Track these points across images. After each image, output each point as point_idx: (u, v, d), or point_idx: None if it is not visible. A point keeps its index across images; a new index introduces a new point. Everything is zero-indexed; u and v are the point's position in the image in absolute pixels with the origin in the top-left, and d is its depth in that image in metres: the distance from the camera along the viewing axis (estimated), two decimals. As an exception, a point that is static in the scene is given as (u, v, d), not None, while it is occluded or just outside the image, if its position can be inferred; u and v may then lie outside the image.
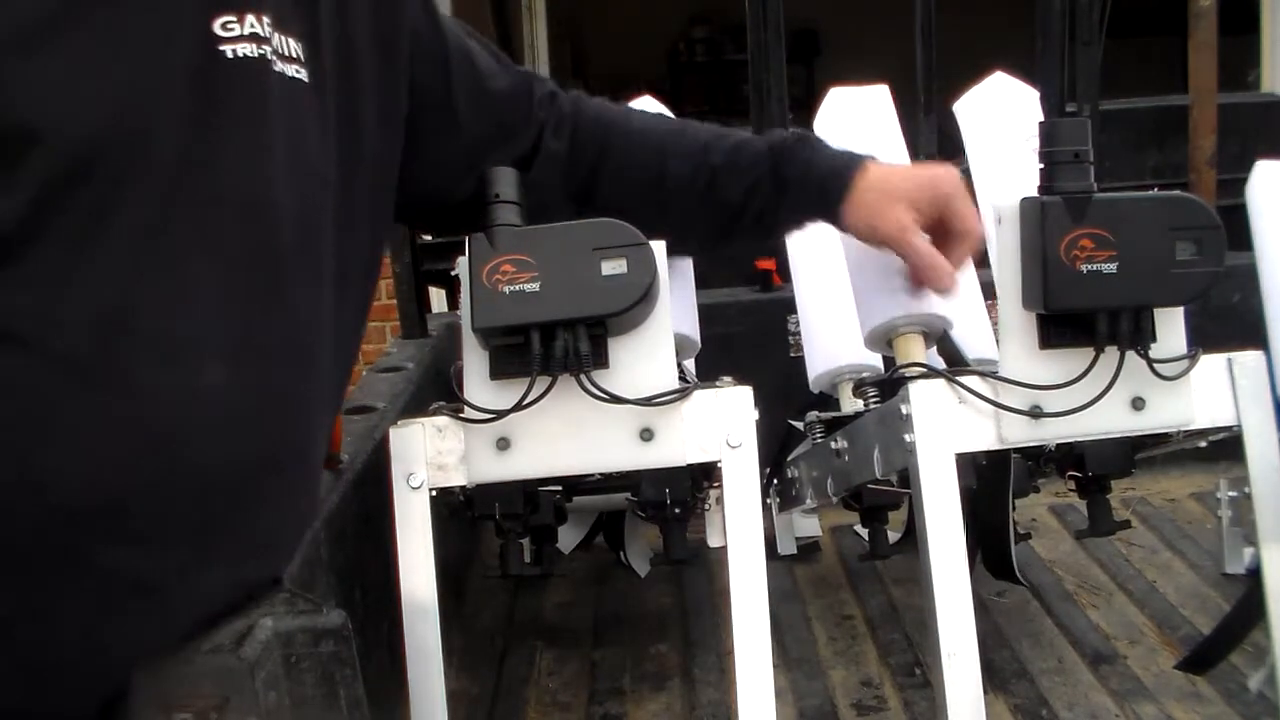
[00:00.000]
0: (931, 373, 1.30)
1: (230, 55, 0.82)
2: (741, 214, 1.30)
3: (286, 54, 0.87)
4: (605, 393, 1.16)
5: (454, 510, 1.30)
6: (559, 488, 1.31)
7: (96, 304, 0.76)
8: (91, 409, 0.77)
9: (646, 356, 1.20)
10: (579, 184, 1.27)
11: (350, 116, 0.95)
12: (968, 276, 1.70)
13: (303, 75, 0.88)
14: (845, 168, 1.29)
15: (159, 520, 0.80)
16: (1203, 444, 1.37)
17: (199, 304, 0.81)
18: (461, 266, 1.19)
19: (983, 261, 1.45)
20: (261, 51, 0.84)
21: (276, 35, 0.86)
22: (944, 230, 1.30)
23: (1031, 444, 1.29)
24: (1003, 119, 1.57)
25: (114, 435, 0.77)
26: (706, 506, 1.55)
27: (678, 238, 1.25)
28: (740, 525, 1.19)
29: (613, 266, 1.13)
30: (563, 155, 1.25)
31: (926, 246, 1.28)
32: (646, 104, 1.77)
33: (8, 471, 0.75)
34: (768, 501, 1.94)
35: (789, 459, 1.80)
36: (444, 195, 1.21)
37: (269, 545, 0.93)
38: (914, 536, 1.32)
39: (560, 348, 1.14)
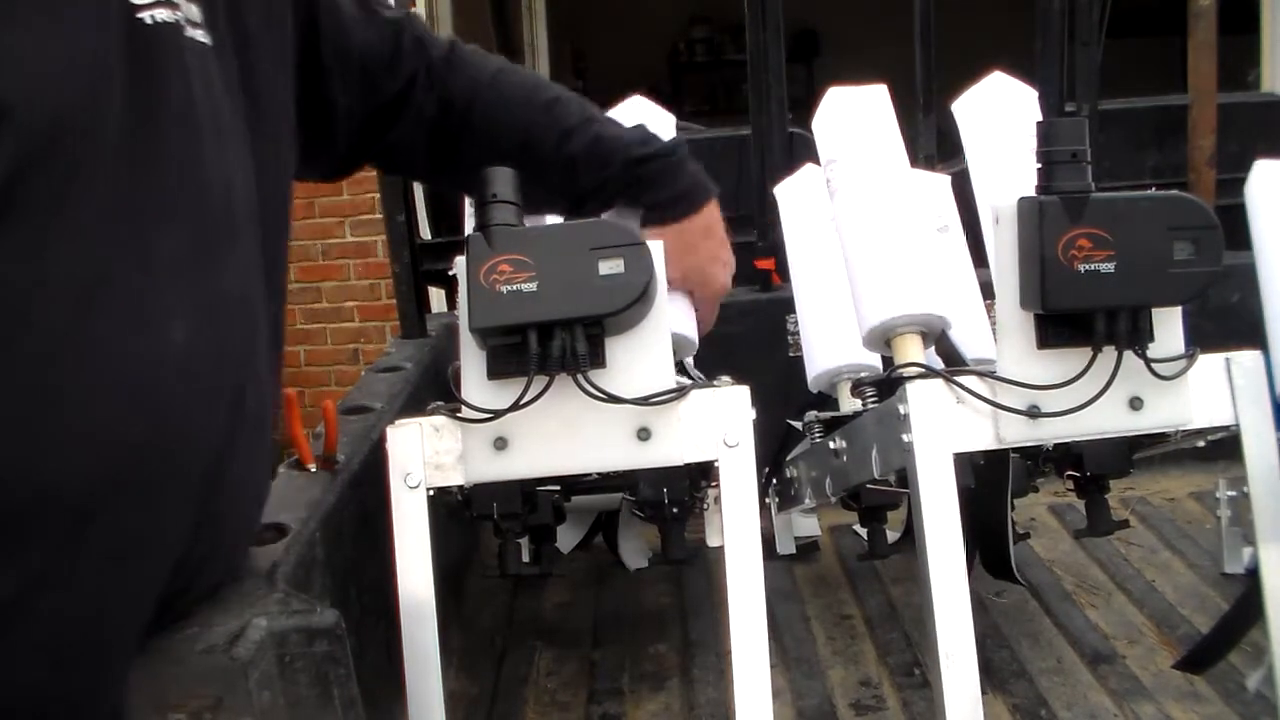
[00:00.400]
0: (929, 372, 1.30)
1: (149, 21, 0.84)
2: (587, 200, 1.31)
3: (192, 19, 0.89)
4: (602, 392, 1.16)
5: (452, 510, 1.30)
6: (557, 487, 1.31)
7: (69, 274, 0.78)
8: (76, 378, 0.78)
9: (643, 356, 1.20)
10: (442, 148, 1.27)
11: (248, 76, 0.97)
12: (966, 276, 1.71)
13: (207, 39, 0.91)
14: (696, 196, 1.32)
15: (153, 480, 0.82)
16: (1201, 443, 1.37)
17: (160, 267, 0.83)
18: (459, 266, 1.19)
19: (982, 261, 1.45)
20: (176, 17, 0.86)
21: (182, 0, 0.88)
22: None
23: (1029, 444, 1.28)
24: (1001, 119, 1.56)
25: (100, 402, 0.79)
26: (705, 506, 1.55)
27: (528, 206, 1.28)
28: (738, 525, 1.19)
29: (610, 266, 1.13)
30: (432, 117, 1.25)
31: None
32: (637, 104, 1.77)
33: (5, 448, 0.76)
34: (767, 501, 1.94)
35: (788, 459, 1.80)
36: (316, 150, 1.20)
37: (246, 497, 0.96)
38: (913, 536, 1.32)
39: (557, 347, 1.14)
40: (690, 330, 1.43)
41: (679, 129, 1.83)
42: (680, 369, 1.43)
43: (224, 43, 0.93)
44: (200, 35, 0.90)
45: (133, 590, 0.84)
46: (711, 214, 1.35)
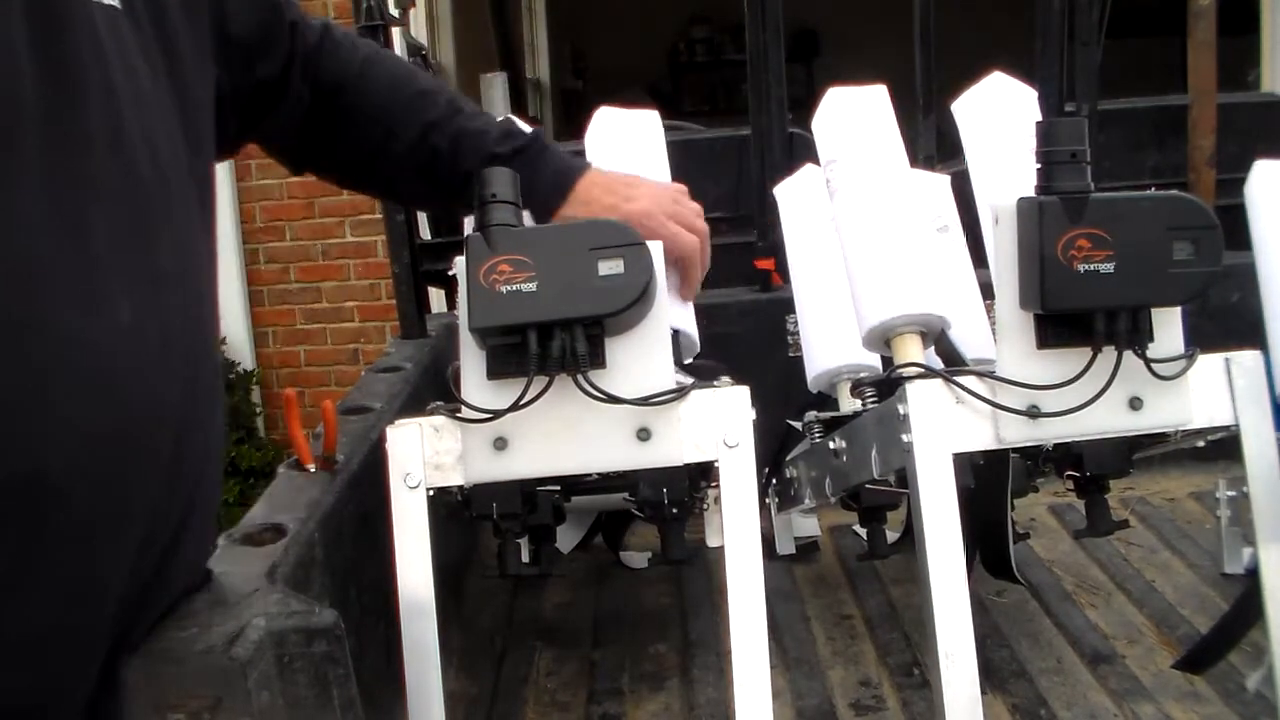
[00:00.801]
0: (929, 373, 1.30)
1: None
2: (458, 194, 1.28)
3: None
4: (602, 392, 1.16)
5: (452, 510, 1.30)
6: (557, 487, 1.31)
7: (9, 259, 0.76)
8: (31, 365, 0.76)
9: (644, 356, 1.20)
10: (314, 137, 1.26)
11: (166, 41, 0.94)
12: (966, 276, 1.71)
13: (115, 2, 0.88)
14: (565, 175, 1.31)
15: (119, 466, 0.81)
16: (1201, 444, 1.37)
17: (98, 244, 0.81)
18: (459, 266, 1.19)
19: (982, 261, 1.45)
20: None
21: None
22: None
23: (1029, 444, 1.28)
24: (1001, 119, 1.56)
25: (58, 390, 0.77)
26: (705, 506, 1.55)
27: (400, 200, 1.26)
28: (738, 525, 1.19)
29: (610, 266, 1.13)
30: (307, 102, 1.23)
31: None
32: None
33: None
34: (767, 501, 1.94)
35: (788, 459, 1.80)
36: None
37: (206, 474, 0.94)
38: (913, 536, 1.32)
39: (557, 347, 1.14)
40: (692, 330, 1.43)
41: (679, 129, 1.83)
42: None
43: (135, 8, 0.90)
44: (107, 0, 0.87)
45: (102, 577, 0.83)
46: (589, 183, 1.32)
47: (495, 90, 3.77)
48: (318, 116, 1.25)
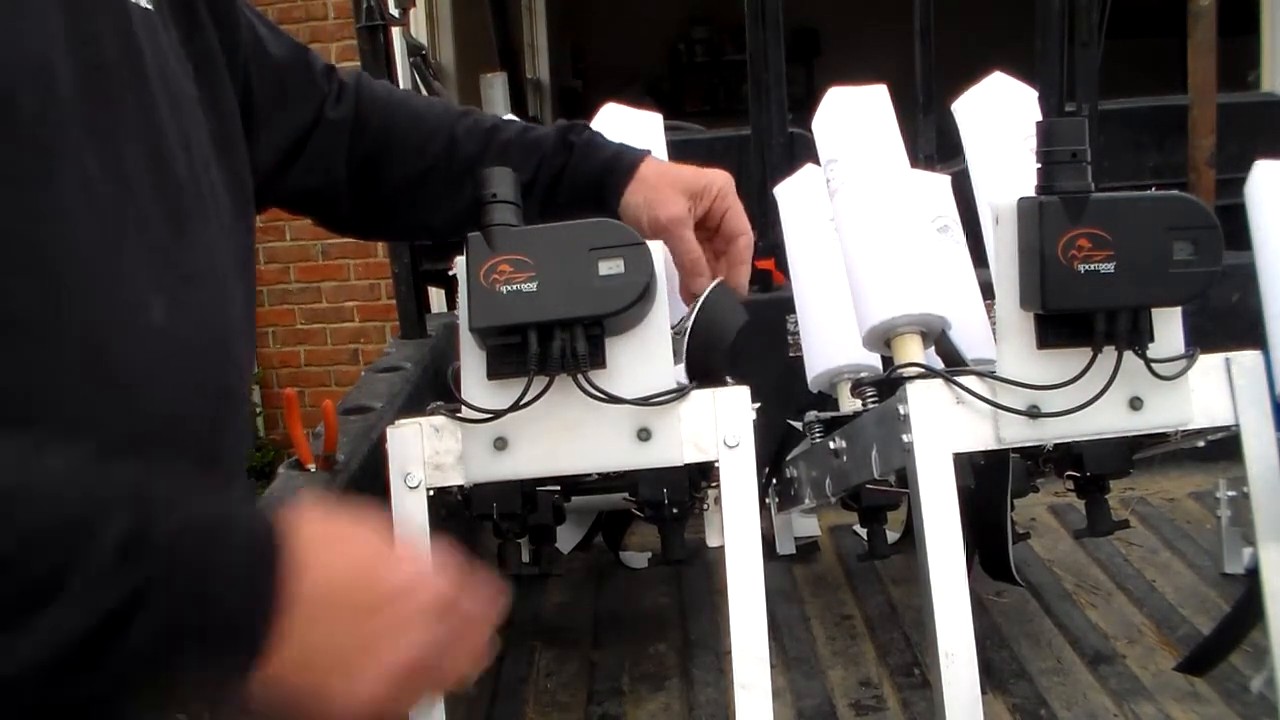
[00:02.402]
0: (929, 373, 1.30)
1: None
2: (529, 190, 1.27)
3: None
4: (602, 392, 1.16)
5: (452, 510, 1.30)
6: (557, 488, 1.31)
7: (38, 255, 0.74)
8: (55, 368, 0.75)
9: (644, 356, 1.20)
10: (363, 156, 1.26)
11: (197, 43, 0.95)
12: (966, 276, 1.71)
13: (148, 4, 0.88)
14: (630, 153, 1.33)
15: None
16: (1201, 444, 1.37)
17: (129, 241, 0.80)
18: (459, 266, 1.19)
19: (982, 261, 1.45)
20: None
21: None
22: (716, 229, 1.33)
23: (1029, 444, 1.28)
24: (1001, 119, 1.56)
25: (81, 391, 0.76)
26: (705, 506, 1.55)
27: (464, 218, 1.22)
28: (738, 525, 1.19)
29: (610, 266, 1.13)
30: (347, 121, 1.24)
31: (695, 243, 1.30)
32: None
33: None
34: (767, 501, 1.94)
35: (788, 459, 1.80)
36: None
37: (233, 472, 0.93)
38: (913, 536, 1.32)
39: (557, 347, 1.14)
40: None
41: (679, 129, 1.83)
42: None
43: (163, 9, 0.90)
44: (143, 1, 0.87)
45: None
46: (658, 161, 1.34)
47: (495, 90, 3.77)
48: (366, 134, 1.25)
